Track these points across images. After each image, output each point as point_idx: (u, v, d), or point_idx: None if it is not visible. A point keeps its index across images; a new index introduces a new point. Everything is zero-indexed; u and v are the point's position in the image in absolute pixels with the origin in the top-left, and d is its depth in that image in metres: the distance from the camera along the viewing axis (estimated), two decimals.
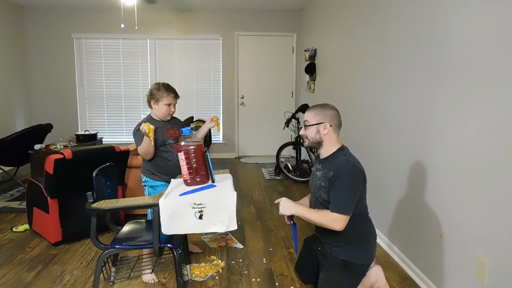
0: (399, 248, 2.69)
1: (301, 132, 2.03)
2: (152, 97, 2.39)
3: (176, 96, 2.43)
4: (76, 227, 2.91)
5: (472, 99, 1.87)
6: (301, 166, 4.99)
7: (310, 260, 2.23)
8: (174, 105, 2.42)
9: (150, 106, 2.43)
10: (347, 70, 3.80)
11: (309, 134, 1.97)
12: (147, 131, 2.20)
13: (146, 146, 2.32)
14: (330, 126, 1.94)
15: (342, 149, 1.98)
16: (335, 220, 1.85)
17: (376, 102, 3.07)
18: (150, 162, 2.45)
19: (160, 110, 2.39)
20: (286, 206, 1.95)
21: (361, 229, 2.00)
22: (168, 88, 2.39)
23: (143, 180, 2.50)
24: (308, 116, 1.98)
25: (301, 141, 2.10)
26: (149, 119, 2.44)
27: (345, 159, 1.91)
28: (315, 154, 2.00)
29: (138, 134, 2.37)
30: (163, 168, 2.44)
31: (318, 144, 1.98)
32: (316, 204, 2.05)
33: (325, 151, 1.99)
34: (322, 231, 2.09)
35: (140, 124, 2.37)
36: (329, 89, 4.49)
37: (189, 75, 6.25)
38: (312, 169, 2.20)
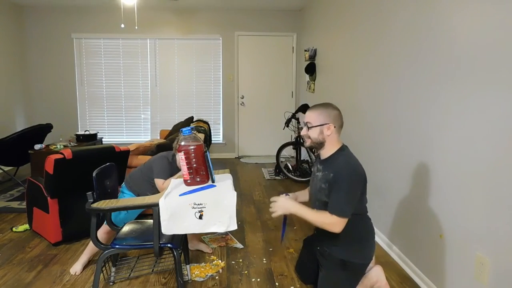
0: (399, 248, 2.69)
1: (303, 133, 1.98)
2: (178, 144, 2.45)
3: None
4: (76, 227, 2.91)
5: (472, 100, 1.87)
6: (301, 166, 4.99)
7: (310, 260, 2.23)
8: None
9: (175, 152, 2.47)
10: (347, 70, 3.80)
11: (312, 135, 1.93)
12: None
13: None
14: (334, 127, 1.90)
15: (342, 149, 1.95)
16: (333, 223, 1.83)
17: (376, 102, 3.07)
18: (137, 184, 2.51)
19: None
20: (285, 206, 1.92)
21: (360, 228, 1.99)
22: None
23: (122, 190, 2.58)
24: (311, 117, 1.93)
25: (302, 141, 2.07)
26: (173, 160, 2.50)
27: (346, 160, 1.89)
28: (315, 154, 1.99)
29: (163, 164, 2.44)
30: (142, 194, 2.51)
31: (320, 144, 1.94)
32: (315, 205, 2.04)
33: (326, 152, 1.97)
34: (321, 230, 2.08)
35: (169, 157, 2.48)
36: (329, 89, 4.49)
37: (189, 75, 6.25)
38: (312, 168, 2.18)
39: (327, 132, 1.90)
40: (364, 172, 1.92)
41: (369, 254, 2.02)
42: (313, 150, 2.07)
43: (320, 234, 2.11)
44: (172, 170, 2.47)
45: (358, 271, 2.02)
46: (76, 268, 2.48)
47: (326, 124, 1.90)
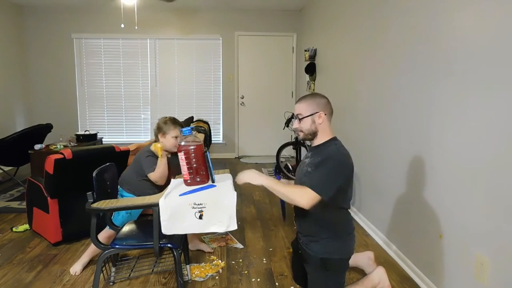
0: (398, 248, 2.69)
1: (295, 126, 1.97)
2: (159, 131, 2.48)
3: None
4: (76, 227, 2.91)
5: (472, 99, 1.87)
6: None
7: (298, 263, 2.20)
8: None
9: (157, 139, 2.51)
10: (347, 70, 3.80)
11: (304, 126, 1.92)
12: (156, 150, 2.33)
13: (163, 168, 2.40)
14: (325, 114, 1.90)
15: (335, 139, 1.94)
16: (304, 194, 1.75)
17: (376, 102, 3.07)
18: (133, 185, 2.50)
19: (167, 142, 2.47)
20: (254, 176, 1.88)
21: (342, 222, 1.95)
22: (174, 122, 2.49)
23: (120, 194, 2.55)
24: (301, 108, 1.93)
25: (296, 134, 2.03)
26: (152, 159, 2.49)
27: (336, 148, 1.88)
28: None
29: (148, 159, 2.44)
30: (141, 192, 2.48)
31: (313, 134, 1.93)
32: None
33: (318, 141, 1.95)
34: (301, 223, 2.04)
35: (148, 151, 2.47)
36: (329, 89, 4.49)
37: (189, 75, 6.25)
38: (302, 158, 2.16)
39: (319, 121, 1.90)
40: (352, 164, 1.89)
41: (349, 248, 1.98)
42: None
43: (299, 225, 2.07)
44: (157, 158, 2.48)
45: (340, 268, 1.98)
46: (76, 268, 2.48)
47: (316, 113, 1.89)
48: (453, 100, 2.03)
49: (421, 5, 2.36)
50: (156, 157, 2.44)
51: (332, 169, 1.81)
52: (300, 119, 1.94)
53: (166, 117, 2.52)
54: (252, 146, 6.48)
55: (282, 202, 2.16)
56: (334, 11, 4.27)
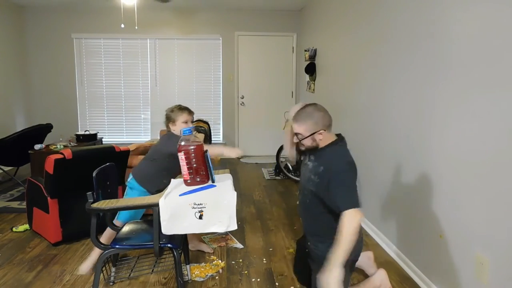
0: (399, 248, 2.69)
1: (295, 140, 1.97)
2: (169, 120, 2.51)
3: (190, 112, 2.55)
4: (76, 227, 2.91)
5: (472, 100, 1.87)
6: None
7: (303, 262, 2.19)
8: (192, 121, 2.53)
9: (169, 130, 2.51)
10: (347, 70, 3.80)
11: (306, 143, 1.93)
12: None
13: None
14: (325, 130, 1.90)
15: (335, 143, 1.94)
16: (350, 220, 1.74)
17: (376, 103, 3.07)
18: (152, 172, 2.44)
19: (179, 128, 2.45)
20: (334, 277, 1.69)
21: None
22: (181, 108, 2.53)
23: (129, 180, 2.48)
24: (300, 129, 1.91)
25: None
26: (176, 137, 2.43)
27: (336, 154, 1.88)
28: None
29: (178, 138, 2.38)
30: (157, 182, 2.42)
31: (315, 148, 1.94)
32: (303, 194, 2.01)
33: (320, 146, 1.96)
34: (308, 224, 2.03)
35: (171, 134, 2.48)
36: (329, 89, 4.49)
37: (189, 75, 6.25)
38: (303, 159, 2.14)
39: (319, 137, 1.90)
40: (354, 163, 1.89)
41: (357, 251, 1.96)
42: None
43: (307, 228, 2.07)
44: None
45: (346, 269, 1.97)
46: (84, 268, 2.44)
47: (316, 132, 1.89)
48: (453, 100, 2.03)
49: (421, 5, 2.36)
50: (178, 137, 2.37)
51: (346, 181, 1.81)
52: (300, 140, 1.94)
53: (172, 106, 2.54)
54: (252, 146, 6.47)
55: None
56: (334, 11, 4.28)
